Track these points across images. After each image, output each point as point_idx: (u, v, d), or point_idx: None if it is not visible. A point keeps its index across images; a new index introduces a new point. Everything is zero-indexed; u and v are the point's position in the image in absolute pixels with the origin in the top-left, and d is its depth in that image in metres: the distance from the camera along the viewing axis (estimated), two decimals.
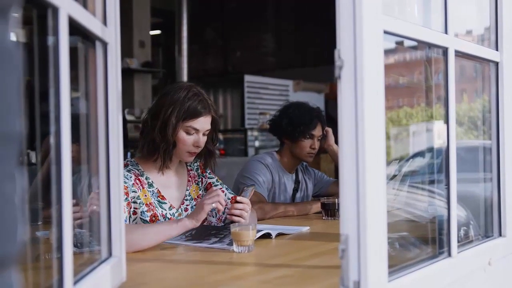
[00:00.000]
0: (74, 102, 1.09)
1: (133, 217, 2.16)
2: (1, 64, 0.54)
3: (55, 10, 0.99)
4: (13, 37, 0.57)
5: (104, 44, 1.35)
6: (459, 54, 1.58)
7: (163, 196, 2.27)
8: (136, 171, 2.24)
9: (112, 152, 1.38)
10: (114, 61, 1.38)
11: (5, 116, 0.54)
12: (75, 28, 1.11)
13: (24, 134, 0.59)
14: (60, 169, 1.00)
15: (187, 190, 2.37)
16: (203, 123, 2.24)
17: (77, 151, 1.27)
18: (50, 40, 1.01)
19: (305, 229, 2.37)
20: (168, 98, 2.21)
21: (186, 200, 2.36)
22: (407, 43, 1.56)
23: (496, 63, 1.82)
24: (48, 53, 1.01)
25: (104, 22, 1.35)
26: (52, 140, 1.01)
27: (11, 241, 0.55)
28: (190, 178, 2.40)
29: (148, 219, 2.18)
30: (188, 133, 2.22)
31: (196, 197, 2.39)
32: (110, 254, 1.37)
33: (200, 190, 2.42)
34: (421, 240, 1.70)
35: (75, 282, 1.08)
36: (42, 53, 1.02)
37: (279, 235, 2.20)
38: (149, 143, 2.23)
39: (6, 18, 0.55)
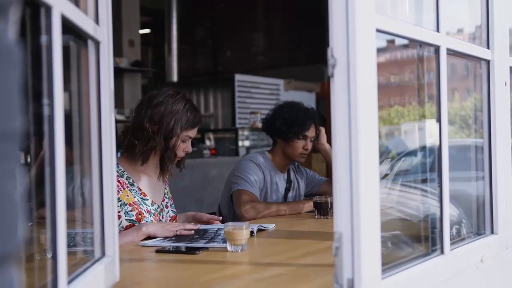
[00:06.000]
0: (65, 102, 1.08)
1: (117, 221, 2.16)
2: (2, 62, 0.54)
3: (48, 9, 0.99)
4: (12, 35, 0.57)
5: (97, 43, 1.34)
6: (450, 52, 1.59)
7: (144, 193, 2.33)
8: (115, 172, 2.25)
9: (105, 152, 1.37)
10: (106, 60, 1.37)
11: (7, 114, 0.54)
12: (67, 27, 1.11)
13: (22, 132, 0.59)
14: (53, 170, 0.99)
15: (165, 189, 2.48)
16: (196, 131, 2.37)
17: (69, 151, 1.27)
18: (43, 38, 1.00)
19: (271, 226, 2.39)
20: (168, 108, 2.26)
21: (166, 197, 2.45)
22: (398, 41, 1.56)
23: (488, 61, 1.82)
24: (40, 52, 1.00)
25: (97, 21, 1.35)
26: (45, 140, 1.00)
27: (13, 239, 0.55)
28: (166, 179, 2.49)
29: (134, 218, 2.20)
30: (184, 141, 2.32)
31: (170, 197, 2.50)
32: (103, 253, 1.37)
33: (170, 193, 2.53)
34: (414, 238, 1.71)
35: (69, 282, 1.08)
36: (34, 52, 1.01)
37: (259, 231, 2.25)
38: (150, 150, 2.28)
39: (6, 17, 0.55)
